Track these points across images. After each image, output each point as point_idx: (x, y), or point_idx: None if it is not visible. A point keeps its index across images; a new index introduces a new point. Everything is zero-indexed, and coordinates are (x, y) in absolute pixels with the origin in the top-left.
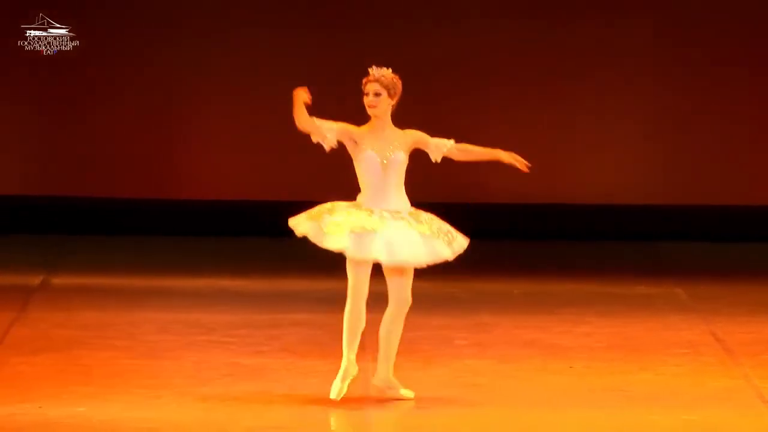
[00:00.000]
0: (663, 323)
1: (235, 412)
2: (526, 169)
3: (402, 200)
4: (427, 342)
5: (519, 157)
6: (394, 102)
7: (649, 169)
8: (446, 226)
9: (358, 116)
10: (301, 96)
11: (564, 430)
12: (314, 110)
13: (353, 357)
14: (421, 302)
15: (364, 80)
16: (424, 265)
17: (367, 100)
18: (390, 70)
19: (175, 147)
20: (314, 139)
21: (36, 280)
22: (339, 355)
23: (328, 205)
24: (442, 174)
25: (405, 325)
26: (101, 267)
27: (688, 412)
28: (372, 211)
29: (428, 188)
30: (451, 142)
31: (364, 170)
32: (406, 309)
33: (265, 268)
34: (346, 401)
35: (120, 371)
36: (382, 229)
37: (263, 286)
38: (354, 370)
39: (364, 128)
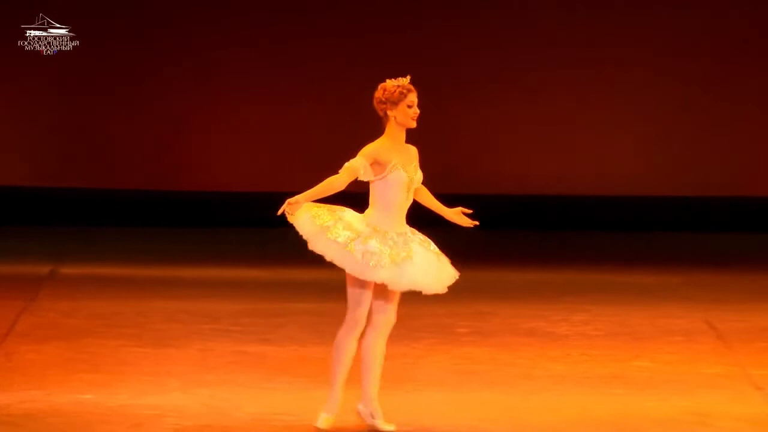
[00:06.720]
0: (659, 311)
1: (240, 399)
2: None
3: (404, 220)
4: (428, 330)
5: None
6: None
7: (644, 162)
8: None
9: (360, 117)
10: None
11: (559, 416)
12: (321, 114)
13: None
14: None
15: (402, 89)
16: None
17: (413, 112)
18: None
19: (177, 140)
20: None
21: (45, 270)
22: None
23: (339, 224)
24: (448, 164)
25: (408, 314)
26: (108, 258)
27: (682, 399)
28: (387, 234)
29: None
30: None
31: (390, 189)
32: (391, 328)
33: (269, 258)
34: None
35: (127, 359)
36: (412, 256)
37: (267, 275)
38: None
39: (385, 143)
